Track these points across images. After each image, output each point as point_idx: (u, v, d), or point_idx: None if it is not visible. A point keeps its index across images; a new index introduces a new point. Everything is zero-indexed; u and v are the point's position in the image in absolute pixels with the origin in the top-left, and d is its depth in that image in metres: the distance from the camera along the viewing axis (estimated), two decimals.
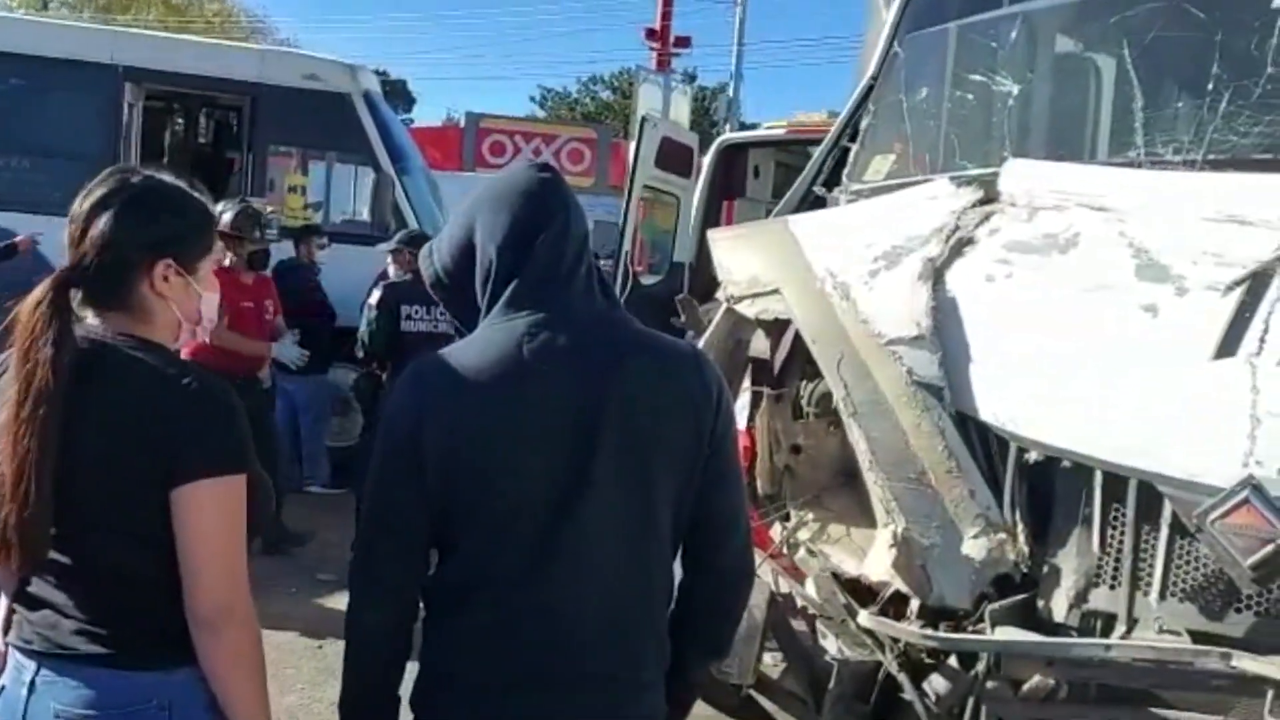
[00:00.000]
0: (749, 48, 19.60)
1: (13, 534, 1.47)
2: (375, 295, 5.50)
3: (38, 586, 1.58)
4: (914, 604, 2.45)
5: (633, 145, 6.76)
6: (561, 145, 17.34)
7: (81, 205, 1.60)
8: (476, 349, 1.59)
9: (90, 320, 1.61)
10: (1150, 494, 2.22)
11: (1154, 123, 2.97)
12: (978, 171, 3.15)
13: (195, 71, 7.95)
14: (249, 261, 5.59)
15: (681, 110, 14.33)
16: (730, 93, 18.52)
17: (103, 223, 1.57)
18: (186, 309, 1.65)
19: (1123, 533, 2.27)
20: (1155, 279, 2.44)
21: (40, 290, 1.54)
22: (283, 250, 6.98)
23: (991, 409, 2.44)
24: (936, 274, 2.67)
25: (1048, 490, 2.40)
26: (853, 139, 3.66)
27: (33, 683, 1.54)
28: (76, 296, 1.59)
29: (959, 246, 2.76)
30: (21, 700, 1.55)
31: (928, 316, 2.57)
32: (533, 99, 34.37)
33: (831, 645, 2.59)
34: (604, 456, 1.54)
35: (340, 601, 1.62)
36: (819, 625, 2.68)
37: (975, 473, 2.43)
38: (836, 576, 2.69)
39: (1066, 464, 2.35)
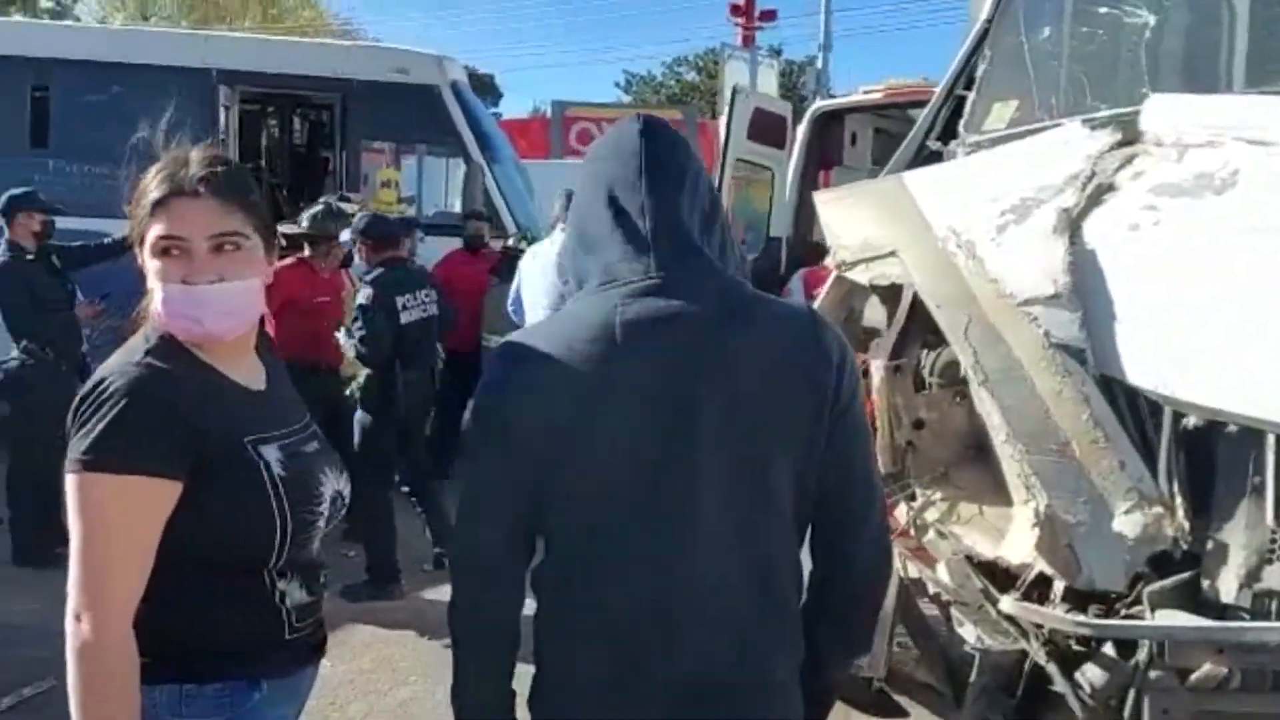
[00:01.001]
0: (835, 14, 19.15)
1: None
2: (367, 295, 5.01)
3: None
4: (1058, 586, 2.28)
5: (722, 121, 6.59)
6: None
7: None
8: (568, 324, 1.48)
9: None
10: None
11: None
12: (1113, 112, 2.95)
13: (286, 70, 8.05)
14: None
15: (769, 85, 14.17)
16: (819, 64, 18.11)
17: None
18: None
19: None
20: None
21: None
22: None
23: (1141, 371, 2.27)
24: (1073, 225, 2.50)
25: (1209, 459, 2.21)
26: (968, 87, 3.45)
27: None
28: None
29: (1098, 194, 2.58)
30: None
31: (1065, 273, 2.40)
32: (617, 84, 34.42)
33: (969, 633, 2.44)
34: (707, 434, 1.41)
35: (449, 592, 1.56)
36: (954, 612, 2.52)
37: (1125, 442, 2.25)
38: (970, 559, 2.53)
39: (1231, 429, 2.17)
